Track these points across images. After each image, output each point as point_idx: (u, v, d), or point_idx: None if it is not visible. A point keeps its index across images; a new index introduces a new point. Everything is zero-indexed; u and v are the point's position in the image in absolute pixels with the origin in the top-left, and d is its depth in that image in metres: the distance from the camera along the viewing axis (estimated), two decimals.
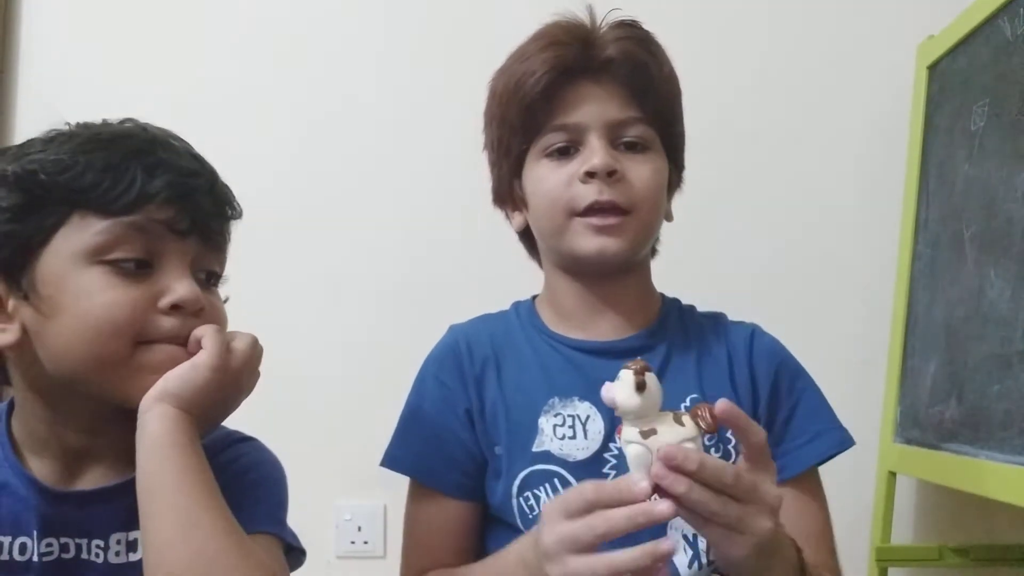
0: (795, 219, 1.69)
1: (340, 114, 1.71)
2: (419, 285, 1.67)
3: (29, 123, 1.68)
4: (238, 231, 0.80)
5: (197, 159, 0.76)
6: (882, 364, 1.55)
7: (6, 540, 0.73)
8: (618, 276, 0.90)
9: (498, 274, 1.63)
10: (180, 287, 0.71)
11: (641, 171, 0.86)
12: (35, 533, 0.73)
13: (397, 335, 1.65)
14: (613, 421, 0.84)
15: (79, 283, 0.69)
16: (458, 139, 1.68)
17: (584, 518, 0.64)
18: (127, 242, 0.70)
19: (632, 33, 0.89)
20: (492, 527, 0.89)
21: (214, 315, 0.74)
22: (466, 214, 1.67)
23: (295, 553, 0.77)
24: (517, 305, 0.99)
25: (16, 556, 0.73)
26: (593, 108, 0.86)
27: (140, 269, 0.70)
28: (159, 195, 0.70)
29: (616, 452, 0.86)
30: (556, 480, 0.84)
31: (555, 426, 0.86)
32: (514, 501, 0.85)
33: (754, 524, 0.63)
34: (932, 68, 1.54)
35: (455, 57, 1.70)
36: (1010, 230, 1.19)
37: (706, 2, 1.71)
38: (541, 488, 0.84)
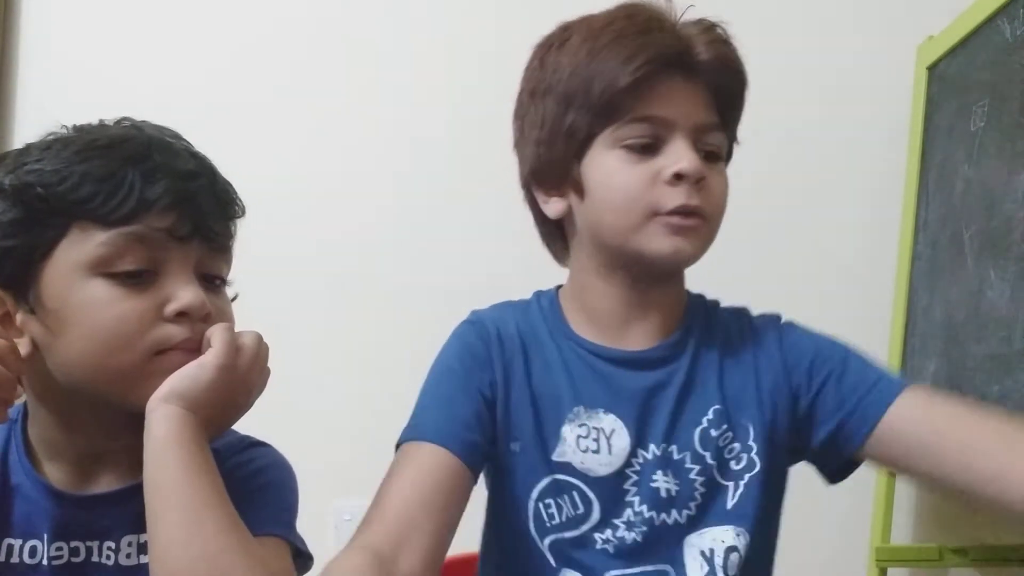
0: (795, 219, 1.70)
1: (343, 114, 1.71)
2: (420, 286, 1.67)
3: (29, 124, 1.68)
4: (239, 231, 0.79)
5: (196, 158, 0.75)
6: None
7: (17, 543, 0.73)
8: (665, 280, 0.86)
9: (501, 276, 1.63)
10: (185, 294, 0.70)
11: (718, 182, 0.83)
12: (46, 536, 0.73)
13: (397, 335, 1.65)
14: (639, 436, 0.81)
15: (83, 296, 0.68)
16: (461, 139, 1.70)
17: None
18: (129, 252, 0.68)
19: (723, 36, 0.84)
20: (502, 531, 0.85)
21: (221, 318, 0.73)
22: (468, 216, 1.67)
23: (303, 558, 0.77)
24: (539, 296, 0.92)
25: (26, 559, 0.73)
26: (683, 106, 0.80)
27: (143, 278, 0.69)
28: (158, 202, 0.69)
29: (638, 468, 0.82)
30: (575, 493, 0.81)
31: (579, 437, 0.82)
32: (531, 504, 0.82)
33: None
34: (932, 69, 1.54)
35: (458, 57, 1.71)
36: (1010, 231, 1.19)
37: (706, 3, 1.71)
38: (563, 498, 0.81)
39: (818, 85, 1.71)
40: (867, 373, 0.83)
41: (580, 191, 0.83)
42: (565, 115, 0.82)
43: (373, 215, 1.70)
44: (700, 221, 0.80)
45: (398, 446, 0.82)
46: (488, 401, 0.83)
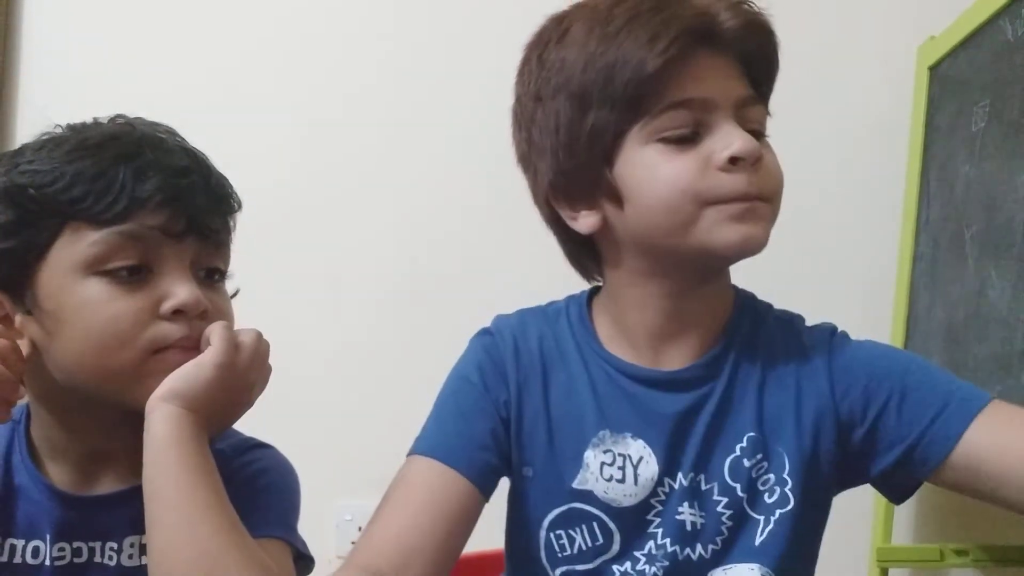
0: (795, 219, 1.68)
1: (341, 112, 1.71)
2: (420, 286, 1.67)
3: (29, 124, 1.68)
4: (237, 231, 0.79)
5: (189, 154, 0.74)
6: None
7: (19, 543, 0.73)
8: (715, 280, 0.78)
9: (500, 275, 1.63)
10: (181, 291, 0.69)
11: (772, 159, 0.74)
12: (48, 537, 0.74)
13: (397, 335, 1.65)
14: (668, 464, 0.75)
15: (79, 296, 0.68)
16: (459, 138, 1.70)
17: None
18: (122, 251, 0.68)
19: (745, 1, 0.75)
20: (515, 555, 0.81)
21: (219, 315, 0.73)
22: (467, 214, 1.67)
23: (304, 560, 0.77)
24: (570, 304, 0.84)
25: (29, 559, 0.73)
26: (720, 83, 0.72)
27: (138, 276, 0.69)
28: (151, 200, 0.69)
29: (663, 498, 0.76)
30: (595, 524, 0.76)
31: (603, 464, 0.76)
32: (542, 533, 0.77)
33: None
34: (933, 69, 1.54)
35: (458, 55, 1.71)
36: (1011, 230, 1.19)
37: None
38: (577, 529, 0.76)
39: (819, 85, 1.71)
40: (934, 392, 0.73)
41: (617, 199, 0.73)
42: (585, 115, 0.72)
43: (376, 215, 1.70)
44: (761, 203, 0.72)
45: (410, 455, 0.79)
46: (504, 420, 0.78)
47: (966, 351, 1.27)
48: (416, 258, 1.69)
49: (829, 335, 0.79)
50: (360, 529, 1.82)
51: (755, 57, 0.75)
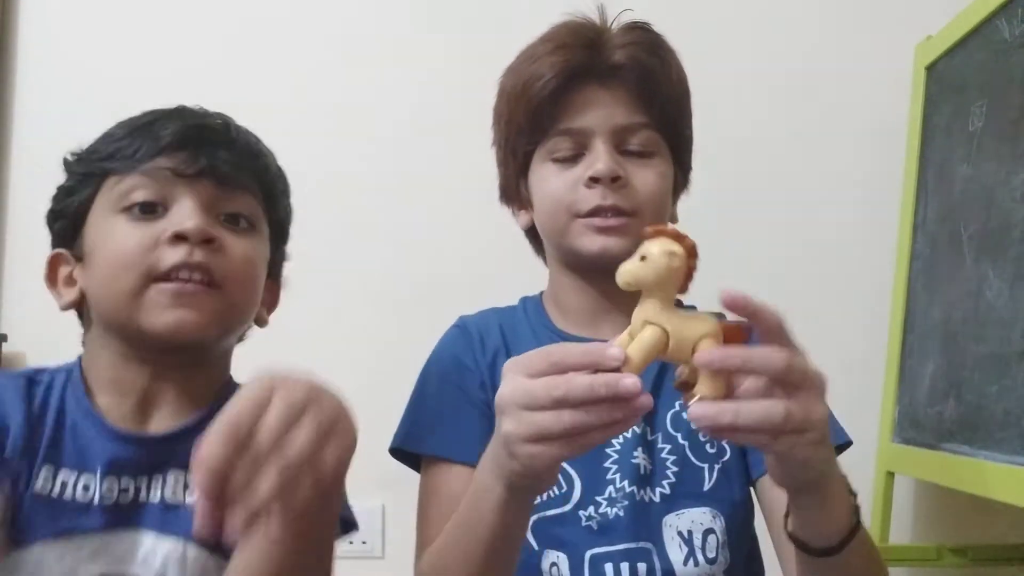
0: (794, 219, 1.70)
1: (343, 113, 1.71)
2: (419, 287, 1.67)
3: (29, 123, 1.68)
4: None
5: (221, 116, 0.83)
6: (880, 364, 1.55)
7: (71, 478, 0.75)
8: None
9: (500, 276, 1.62)
10: (186, 221, 0.76)
11: (646, 177, 0.86)
12: (99, 472, 0.76)
13: (396, 335, 1.65)
14: None
15: (106, 231, 0.78)
16: (461, 138, 1.69)
17: (544, 377, 0.58)
18: (140, 189, 0.77)
19: (642, 37, 0.88)
20: None
21: (231, 254, 0.78)
22: (468, 215, 1.67)
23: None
24: (524, 300, 0.98)
25: (78, 496, 0.75)
26: (599, 113, 0.86)
27: (150, 213, 0.77)
28: (169, 145, 0.77)
29: (618, 447, 0.85)
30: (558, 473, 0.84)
31: None
32: None
33: (814, 413, 0.57)
34: (930, 68, 1.54)
35: (462, 55, 1.71)
36: (1008, 230, 1.19)
37: (703, 4, 1.71)
38: None
39: (817, 85, 1.71)
40: None
41: (530, 203, 0.92)
42: (508, 138, 0.91)
43: (372, 217, 1.70)
44: (625, 219, 0.84)
45: (401, 451, 0.89)
46: (488, 399, 0.86)
47: (963, 351, 1.27)
48: (416, 260, 1.69)
49: None
50: (358, 529, 1.81)
51: (642, 88, 0.87)
